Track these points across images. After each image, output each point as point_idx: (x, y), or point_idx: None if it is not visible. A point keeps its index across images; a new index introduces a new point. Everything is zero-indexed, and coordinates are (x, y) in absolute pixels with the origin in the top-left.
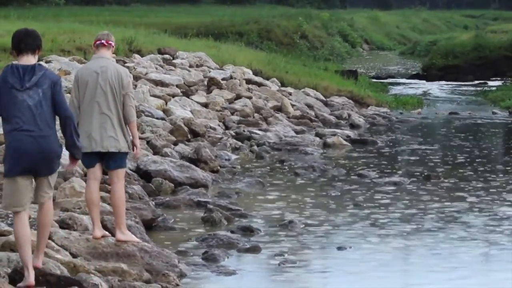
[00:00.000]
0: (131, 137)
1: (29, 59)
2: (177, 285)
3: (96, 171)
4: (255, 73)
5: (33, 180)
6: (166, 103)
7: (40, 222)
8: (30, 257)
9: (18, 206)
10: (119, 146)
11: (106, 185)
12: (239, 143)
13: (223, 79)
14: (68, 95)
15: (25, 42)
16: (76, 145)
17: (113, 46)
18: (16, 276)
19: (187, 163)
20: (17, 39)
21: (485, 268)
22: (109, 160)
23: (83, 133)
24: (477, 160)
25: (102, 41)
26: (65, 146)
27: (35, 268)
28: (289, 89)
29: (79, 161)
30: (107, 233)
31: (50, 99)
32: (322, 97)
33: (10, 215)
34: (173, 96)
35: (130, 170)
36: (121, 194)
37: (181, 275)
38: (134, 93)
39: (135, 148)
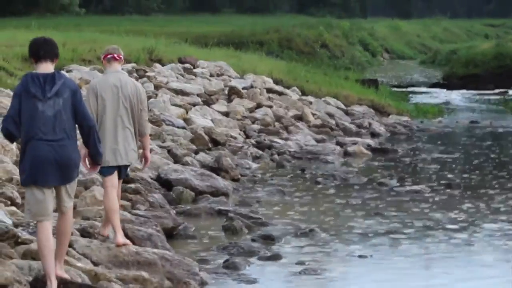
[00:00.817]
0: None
1: (48, 67)
2: None
3: (114, 179)
4: (276, 82)
5: (54, 189)
6: (187, 112)
7: (60, 231)
8: (53, 267)
9: (43, 216)
10: (137, 158)
11: (127, 194)
12: (260, 151)
13: (243, 88)
14: None
15: (44, 49)
16: (100, 153)
17: (122, 60)
18: (37, 284)
19: (208, 172)
20: (36, 46)
21: (507, 274)
22: (124, 170)
23: (107, 147)
24: (497, 169)
25: (114, 55)
26: (88, 153)
27: (56, 277)
28: (310, 98)
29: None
30: (128, 241)
31: (70, 108)
32: (342, 106)
33: (32, 223)
34: (194, 105)
35: (151, 178)
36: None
37: (202, 283)
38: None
39: (147, 159)
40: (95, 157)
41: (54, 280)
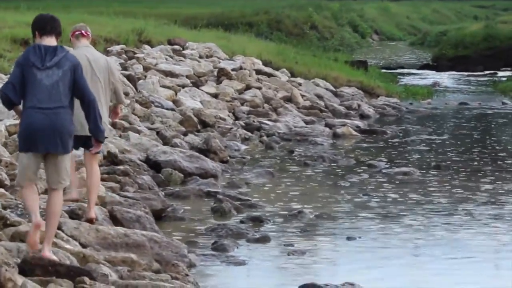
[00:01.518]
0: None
1: (52, 41)
2: (187, 275)
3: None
4: (265, 64)
5: (45, 161)
6: (176, 94)
7: (49, 211)
8: (37, 210)
9: (29, 180)
10: (109, 131)
11: (116, 176)
12: (249, 133)
13: (233, 69)
14: None
15: (51, 24)
16: (100, 128)
17: (90, 37)
18: (26, 266)
19: (197, 154)
20: (43, 21)
21: (494, 257)
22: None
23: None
24: (487, 150)
25: (82, 31)
26: (89, 129)
27: (44, 258)
28: (299, 80)
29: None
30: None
31: (69, 81)
32: (332, 88)
33: (20, 206)
34: (183, 86)
35: (140, 160)
36: None
37: (191, 265)
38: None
39: (117, 114)
40: (95, 133)
41: (38, 214)
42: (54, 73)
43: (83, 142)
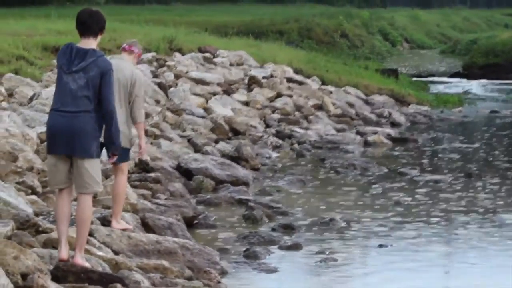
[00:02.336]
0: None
1: (89, 43)
2: (219, 282)
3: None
4: (296, 72)
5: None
6: (207, 102)
7: (78, 217)
8: (66, 232)
9: (57, 184)
10: (127, 143)
11: (147, 183)
12: (280, 141)
13: (263, 77)
14: None
15: (88, 23)
16: (113, 139)
17: (135, 53)
18: (58, 273)
19: (228, 161)
20: (79, 20)
21: None
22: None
23: None
24: None
25: (125, 45)
26: (103, 139)
27: (76, 265)
28: (330, 88)
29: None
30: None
31: (95, 86)
32: (362, 96)
33: (52, 213)
34: (214, 94)
35: (171, 168)
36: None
37: (223, 272)
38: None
39: (141, 148)
40: (107, 143)
41: (65, 245)
42: (80, 77)
43: None
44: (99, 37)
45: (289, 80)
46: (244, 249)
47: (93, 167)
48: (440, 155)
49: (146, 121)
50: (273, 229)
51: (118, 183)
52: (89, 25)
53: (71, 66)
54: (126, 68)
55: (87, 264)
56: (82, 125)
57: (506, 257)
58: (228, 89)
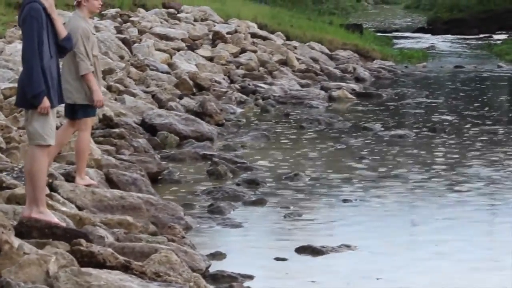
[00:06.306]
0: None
1: None
2: (183, 237)
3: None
4: (260, 27)
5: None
6: (171, 57)
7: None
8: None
9: None
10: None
11: (111, 139)
12: (244, 96)
13: (228, 33)
14: None
15: None
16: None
17: (83, 4)
18: (22, 228)
19: (192, 117)
20: None
21: (488, 220)
22: None
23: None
24: (482, 113)
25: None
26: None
27: (40, 220)
28: (294, 43)
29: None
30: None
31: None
32: (327, 51)
33: (16, 168)
34: (178, 50)
35: (135, 123)
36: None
37: (187, 227)
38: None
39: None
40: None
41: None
42: (20, 29)
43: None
44: None
45: (254, 35)
46: (209, 204)
47: (37, 119)
48: (404, 110)
49: (110, 77)
50: (238, 184)
51: (81, 139)
52: None
53: (18, 20)
54: (68, 23)
55: (56, 220)
56: (20, 78)
57: (469, 209)
58: (192, 45)
